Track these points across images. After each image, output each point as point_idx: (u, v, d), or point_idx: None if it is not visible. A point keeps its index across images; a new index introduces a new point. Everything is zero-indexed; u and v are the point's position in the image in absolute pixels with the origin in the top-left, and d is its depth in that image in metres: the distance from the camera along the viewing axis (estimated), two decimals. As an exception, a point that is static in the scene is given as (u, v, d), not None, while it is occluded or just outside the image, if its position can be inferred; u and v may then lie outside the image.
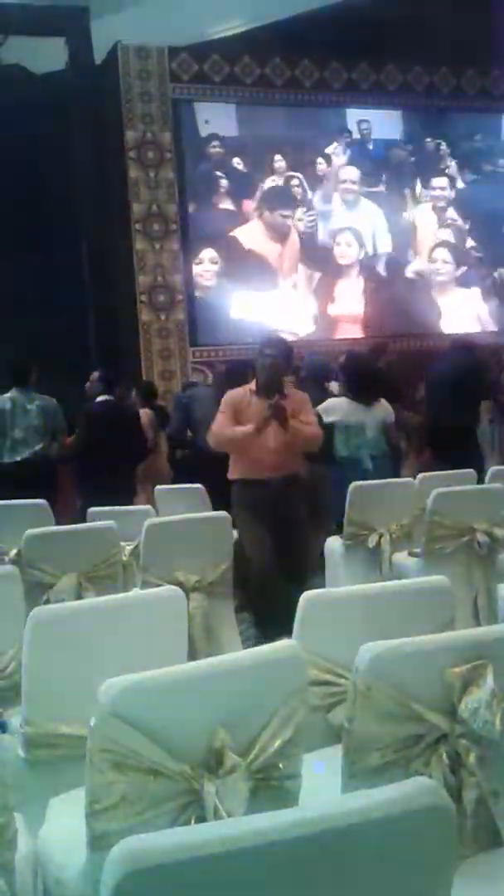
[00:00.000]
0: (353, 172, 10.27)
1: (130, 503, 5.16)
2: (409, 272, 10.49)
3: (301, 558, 4.33)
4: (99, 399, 5.54)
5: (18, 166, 8.74)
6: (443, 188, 10.67)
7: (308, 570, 4.34)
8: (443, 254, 10.59)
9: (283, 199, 9.92)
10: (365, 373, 5.35)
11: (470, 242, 10.75)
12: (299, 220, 9.94)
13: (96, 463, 5.26)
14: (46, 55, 9.52)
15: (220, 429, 4.33)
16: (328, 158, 10.19)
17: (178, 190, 9.54)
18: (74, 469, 5.61)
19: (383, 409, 5.21)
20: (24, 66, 9.58)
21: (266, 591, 4.11)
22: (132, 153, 9.38)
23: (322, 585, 4.07)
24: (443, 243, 10.61)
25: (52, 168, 9.06)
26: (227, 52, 9.77)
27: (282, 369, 4.39)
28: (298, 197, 10.00)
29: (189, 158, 9.69)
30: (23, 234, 8.67)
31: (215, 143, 9.76)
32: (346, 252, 10.16)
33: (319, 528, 4.62)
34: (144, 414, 6.23)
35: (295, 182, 9.99)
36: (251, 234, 9.82)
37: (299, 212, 9.95)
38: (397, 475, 5.18)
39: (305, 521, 4.43)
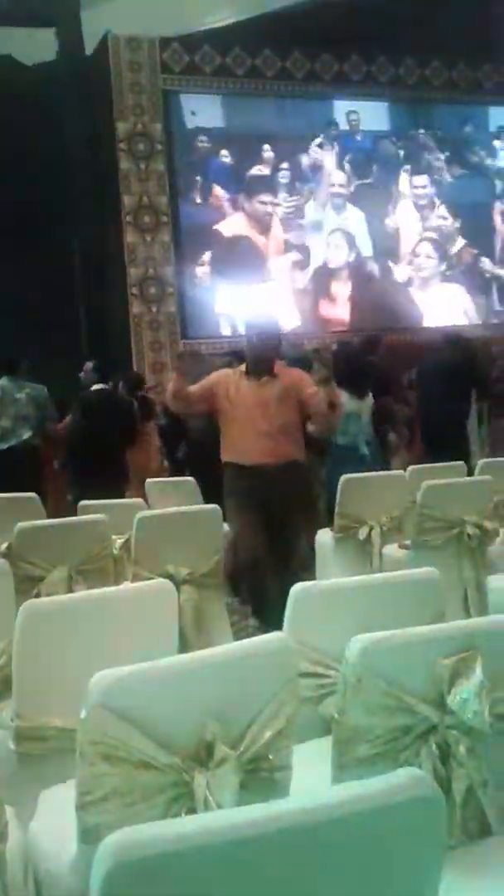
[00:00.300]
0: (340, 176, 10.25)
1: (122, 490, 5.19)
2: (395, 267, 10.50)
3: (291, 553, 4.16)
4: (94, 388, 5.57)
5: (8, 157, 8.70)
6: (428, 182, 10.68)
7: (296, 566, 4.13)
8: (426, 249, 10.61)
9: (263, 186, 9.90)
10: (357, 364, 5.42)
11: (456, 236, 10.76)
12: (279, 206, 9.91)
13: (90, 450, 5.30)
14: (37, 46, 9.47)
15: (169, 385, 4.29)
16: (317, 151, 10.16)
17: (169, 182, 9.51)
18: (66, 456, 5.64)
19: (370, 398, 5.36)
20: (14, 56, 9.53)
21: (256, 582, 4.07)
22: (123, 145, 9.35)
23: (312, 578, 4.08)
24: (427, 238, 10.62)
25: (43, 159, 9.02)
26: (219, 43, 9.74)
27: (269, 347, 4.20)
28: (285, 186, 9.98)
29: (179, 150, 9.66)
30: (13, 226, 8.63)
31: (202, 136, 9.74)
32: (336, 254, 10.17)
33: (310, 521, 4.54)
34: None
35: (283, 174, 9.97)
36: (236, 227, 9.81)
37: (280, 197, 9.92)
38: (386, 464, 5.25)
39: (299, 514, 4.26)
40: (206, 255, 9.68)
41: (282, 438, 4.12)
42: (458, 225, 10.76)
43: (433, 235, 10.66)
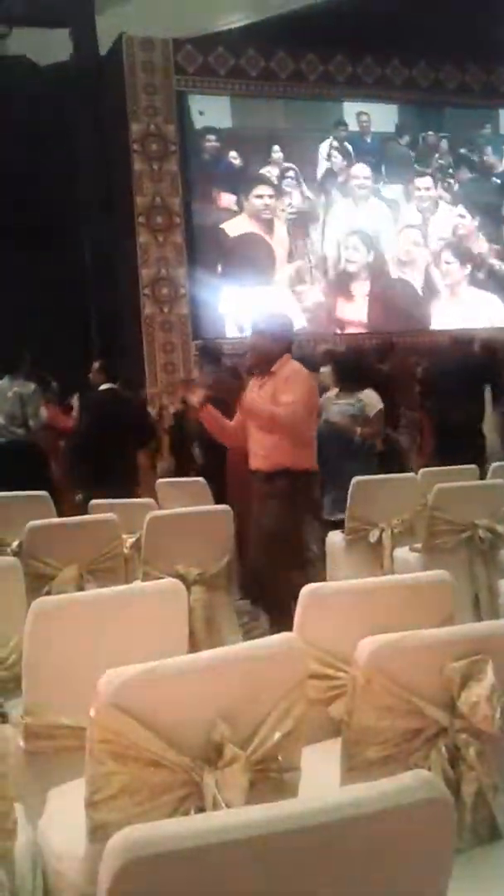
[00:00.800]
0: (363, 170, 10.24)
1: (132, 491, 5.19)
2: (411, 270, 10.47)
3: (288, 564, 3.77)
4: (102, 387, 5.58)
5: (22, 157, 8.73)
6: (438, 184, 10.65)
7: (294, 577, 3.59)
8: (446, 254, 10.59)
9: (273, 186, 9.89)
10: (349, 364, 5.40)
11: (474, 239, 10.74)
12: (289, 206, 9.90)
13: (100, 450, 5.30)
14: (51, 47, 9.50)
15: None
16: (328, 154, 10.15)
17: (182, 183, 9.52)
18: (73, 456, 5.67)
19: (367, 398, 5.25)
20: (29, 57, 9.56)
21: (262, 589, 4.00)
22: (136, 145, 9.37)
23: (319, 579, 4.05)
24: (448, 244, 10.60)
25: (56, 160, 9.05)
26: (233, 44, 9.75)
27: (266, 345, 3.90)
28: (294, 187, 9.97)
29: (192, 151, 9.67)
30: (26, 226, 8.65)
31: (213, 137, 9.74)
32: (353, 256, 10.15)
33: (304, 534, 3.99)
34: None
35: (290, 174, 9.97)
36: (246, 227, 9.81)
37: (289, 197, 9.90)
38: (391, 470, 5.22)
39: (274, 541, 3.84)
40: (219, 256, 9.69)
41: (270, 443, 3.85)
42: (476, 223, 10.74)
43: (450, 238, 10.63)
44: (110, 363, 5.76)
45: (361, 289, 10.20)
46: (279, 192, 9.92)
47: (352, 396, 5.22)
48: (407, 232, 10.47)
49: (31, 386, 5.70)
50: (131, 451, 5.52)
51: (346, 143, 10.26)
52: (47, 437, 6.14)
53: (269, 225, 9.89)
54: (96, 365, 5.94)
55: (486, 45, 9.90)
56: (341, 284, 10.15)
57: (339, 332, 9.86)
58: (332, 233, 10.14)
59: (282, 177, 9.95)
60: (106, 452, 5.26)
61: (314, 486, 4.06)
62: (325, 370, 5.76)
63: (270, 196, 9.88)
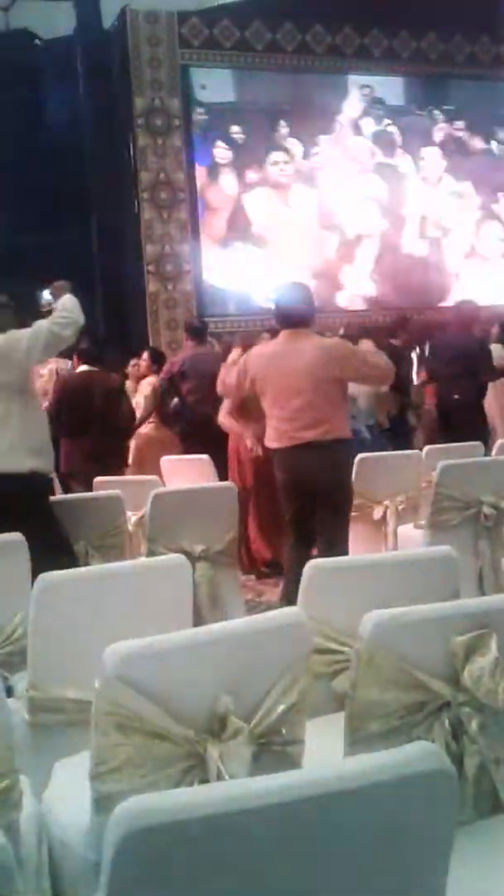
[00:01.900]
0: (365, 143, 10.15)
1: (120, 472, 5.19)
2: (423, 242, 10.40)
3: None
4: (79, 370, 5.49)
5: (25, 132, 8.66)
6: (448, 156, 10.55)
7: None
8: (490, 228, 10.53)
9: (281, 160, 9.80)
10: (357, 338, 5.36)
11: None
12: (297, 180, 9.83)
13: (76, 433, 5.26)
14: (54, 20, 9.39)
15: None
16: (334, 126, 10.05)
17: (186, 158, 9.44)
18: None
19: None
20: (32, 30, 9.45)
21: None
22: (140, 120, 9.28)
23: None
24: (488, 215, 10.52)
25: (60, 134, 8.97)
26: (238, 16, 9.61)
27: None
28: (303, 160, 9.89)
29: (197, 125, 9.58)
30: (30, 202, 8.60)
31: (216, 110, 9.64)
32: (365, 221, 10.06)
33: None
34: (149, 384, 6.24)
35: (300, 148, 9.88)
36: (256, 201, 9.74)
37: (297, 171, 9.82)
38: (399, 447, 5.20)
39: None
40: (224, 231, 9.62)
41: (324, 414, 3.75)
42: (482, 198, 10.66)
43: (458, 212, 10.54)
44: (90, 347, 5.59)
45: (374, 259, 10.11)
46: (292, 165, 9.83)
47: None
48: (415, 204, 10.38)
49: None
50: (111, 434, 5.40)
51: (354, 116, 10.15)
52: None
53: (282, 199, 9.81)
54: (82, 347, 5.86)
55: (497, 18, 9.76)
56: (357, 255, 10.06)
57: (351, 309, 9.79)
58: (345, 201, 10.04)
59: (291, 150, 9.86)
60: (82, 435, 5.21)
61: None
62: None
63: (286, 162, 9.79)
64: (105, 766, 1.49)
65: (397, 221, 10.28)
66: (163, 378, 6.16)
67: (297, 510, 3.80)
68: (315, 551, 3.75)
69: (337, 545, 3.70)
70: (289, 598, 3.65)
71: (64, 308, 3.51)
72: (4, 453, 3.26)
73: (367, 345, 4.58)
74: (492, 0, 9.33)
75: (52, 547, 3.08)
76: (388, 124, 10.34)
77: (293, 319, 3.76)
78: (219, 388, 4.12)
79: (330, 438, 3.69)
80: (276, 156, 9.78)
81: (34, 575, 2.18)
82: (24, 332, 3.41)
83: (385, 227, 10.21)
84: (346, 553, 3.62)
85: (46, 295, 3.90)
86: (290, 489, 3.79)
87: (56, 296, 3.67)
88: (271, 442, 3.84)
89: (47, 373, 6.06)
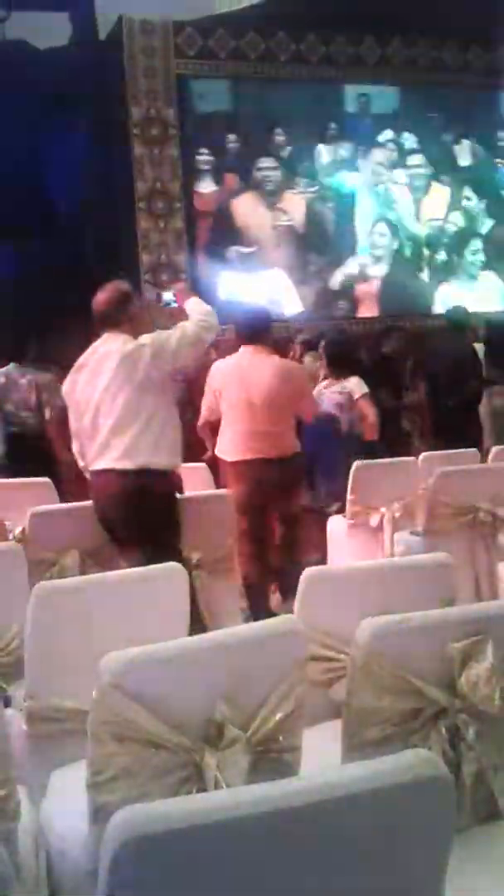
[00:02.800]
0: (380, 155, 10.15)
1: None
2: (421, 253, 10.41)
3: None
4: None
5: (20, 143, 8.68)
6: (442, 165, 10.57)
7: None
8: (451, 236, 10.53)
9: (277, 170, 9.80)
10: (337, 349, 5.43)
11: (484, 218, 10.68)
12: (293, 189, 9.84)
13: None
14: (50, 30, 9.43)
15: None
16: (328, 135, 10.07)
17: (183, 167, 9.47)
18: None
19: (353, 384, 5.25)
20: (27, 41, 9.49)
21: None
22: (136, 130, 9.31)
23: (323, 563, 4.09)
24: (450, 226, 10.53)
25: (55, 144, 8.98)
26: (234, 26, 9.66)
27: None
28: (297, 170, 9.90)
29: (193, 135, 9.61)
30: (24, 212, 8.62)
31: (214, 120, 9.67)
32: (378, 242, 10.09)
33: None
34: None
35: (294, 157, 9.90)
36: (249, 211, 9.75)
37: (294, 181, 9.83)
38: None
39: None
40: (220, 241, 9.64)
41: (280, 430, 4.12)
42: (482, 206, 10.68)
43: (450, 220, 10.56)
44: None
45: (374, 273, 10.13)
46: (288, 175, 9.85)
47: (338, 384, 5.22)
48: (412, 213, 10.40)
49: (48, 374, 5.67)
50: None
51: (349, 126, 10.17)
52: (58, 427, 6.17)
53: (277, 210, 9.83)
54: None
55: (490, 25, 9.81)
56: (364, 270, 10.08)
57: (364, 316, 9.80)
58: (363, 223, 10.06)
59: (287, 161, 9.88)
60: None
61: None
62: (310, 358, 5.78)
63: (275, 169, 9.80)
64: (102, 776, 1.49)
65: (397, 232, 10.30)
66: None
67: (252, 522, 3.97)
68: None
69: (294, 554, 4.01)
70: (257, 609, 3.79)
71: (202, 312, 3.53)
72: (150, 450, 3.28)
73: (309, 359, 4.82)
74: (488, 8, 9.38)
75: (169, 545, 3.18)
76: (381, 133, 10.37)
77: (253, 336, 4.07)
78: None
79: (286, 454, 4.01)
80: (268, 162, 9.81)
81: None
82: (171, 333, 3.42)
83: (397, 241, 10.22)
84: (300, 561, 3.84)
85: (168, 296, 3.94)
86: (246, 502, 3.91)
87: (180, 298, 3.74)
88: (227, 454, 3.96)
89: (26, 382, 6.09)
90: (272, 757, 1.54)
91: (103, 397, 3.27)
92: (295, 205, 9.89)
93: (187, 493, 3.80)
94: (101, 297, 3.51)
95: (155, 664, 1.51)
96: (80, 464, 3.48)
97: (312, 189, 9.97)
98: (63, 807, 1.72)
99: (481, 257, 10.68)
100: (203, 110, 9.64)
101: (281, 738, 1.55)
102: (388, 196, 10.29)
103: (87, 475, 3.44)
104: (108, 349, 3.33)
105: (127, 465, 3.24)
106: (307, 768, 1.60)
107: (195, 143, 9.57)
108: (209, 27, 9.60)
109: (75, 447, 3.49)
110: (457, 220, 10.59)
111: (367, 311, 10.05)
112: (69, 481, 5.31)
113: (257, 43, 9.72)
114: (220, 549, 3.49)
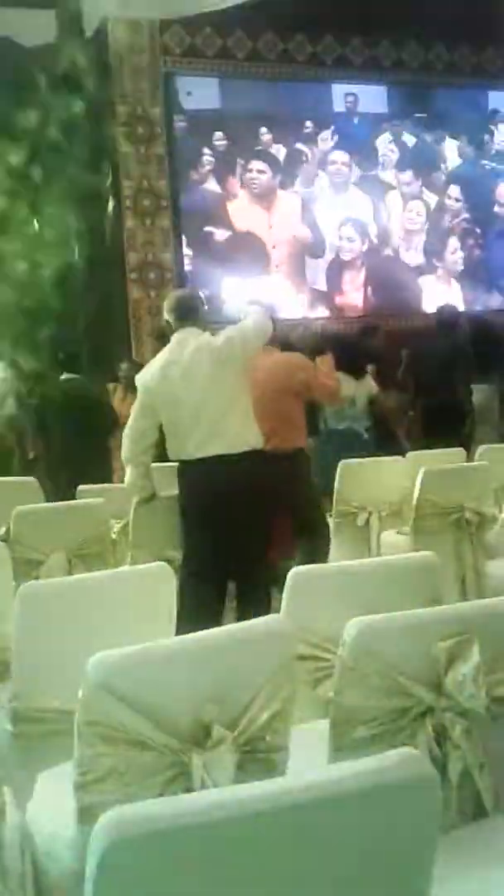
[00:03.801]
0: (342, 156, 10.15)
1: (106, 474, 5.31)
2: (407, 252, 10.43)
3: None
4: (62, 378, 5.75)
5: (6, 141, 8.64)
6: (432, 165, 10.60)
7: None
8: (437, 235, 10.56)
9: (263, 170, 9.82)
10: (353, 347, 5.52)
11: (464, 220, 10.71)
12: (279, 189, 9.85)
13: (61, 440, 5.53)
14: (36, 28, 9.38)
15: None
16: (314, 138, 10.07)
17: (169, 166, 9.45)
18: (39, 446, 5.92)
19: (368, 384, 5.41)
20: (13, 39, 9.44)
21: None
22: (122, 128, 9.28)
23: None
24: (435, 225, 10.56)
25: (41, 142, 8.94)
26: (221, 25, 9.64)
27: None
28: (285, 170, 9.91)
29: (180, 133, 9.60)
30: (11, 210, 8.58)
31: (201, 119, 9.65)
32: (348, 246, 10.09)
33: None
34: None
35: (282, 156, 9.90)
36: (238, 210, 9.75)
37: (279, 180, 9.84)
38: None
39: None
40: (207, 240, 9.64)
41: (287, 424, 4.14)
42: (467, 209, 10.71)
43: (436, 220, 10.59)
44: (71, 356, 5.91)
45: (359, 275, 10.14)
46: (273, 175, 9.85)
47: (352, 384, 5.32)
48: (397, 211, 10.41)
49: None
50: (95, 440, 5.58)
51: (335, 126, 10.18)
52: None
53: (264, 209, 9.83)
54: (61, 356, 6.06)
55: (478, 25, 9.84)
56: (343, 272, 10.09)
57: (349, 316, 9.82)
58: (324, 219, 10.06)
59: (274, 161, 9.88)
60: (67, 443, 5.46)
61: None
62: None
63: (266, 179, 9.81)
64: (89, 776, 1.49)
65: (373, 232, 10.32)
66: None
67: None
68: None
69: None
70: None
71: (256, 310, 3.82)
72: (250, 434, 3.52)
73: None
74: (475, 9, 9.41)
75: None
76: (369, 133, 10.39)
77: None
78: None
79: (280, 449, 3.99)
80: (256, 164, 9.81)
81: None
82: (246, 325, 3.62)
83: (371, 241, 10.24)
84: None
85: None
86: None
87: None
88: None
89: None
90: (259, 757, 1.54)
91: (205, 389, 3.42)
92: (285, 205, 9.91)
93: (171, 492, 3.80)
94: (182, 294, 3.84)
95: (142, 664, 1.51)
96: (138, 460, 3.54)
97: (304, 189, 9.99)
98: (49, 808, 1.72)
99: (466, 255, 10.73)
100: (190, 109, 9.63)
101: (268, 737, 1.55)
102: (352, 196, 10.28)
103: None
104: (198, 344, 3.48)
105: (236, 450, 3.43)
106: (294, 768, 1.61)
107: (181, 141, 9.57)
108: (196, 26, 9.59)
109: (132, 447, 3.53)
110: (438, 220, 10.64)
111: (352, 310, 10.08)
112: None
113: (244, 42, 9.71)
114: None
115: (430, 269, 10.52)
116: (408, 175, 10.50)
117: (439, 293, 10.30)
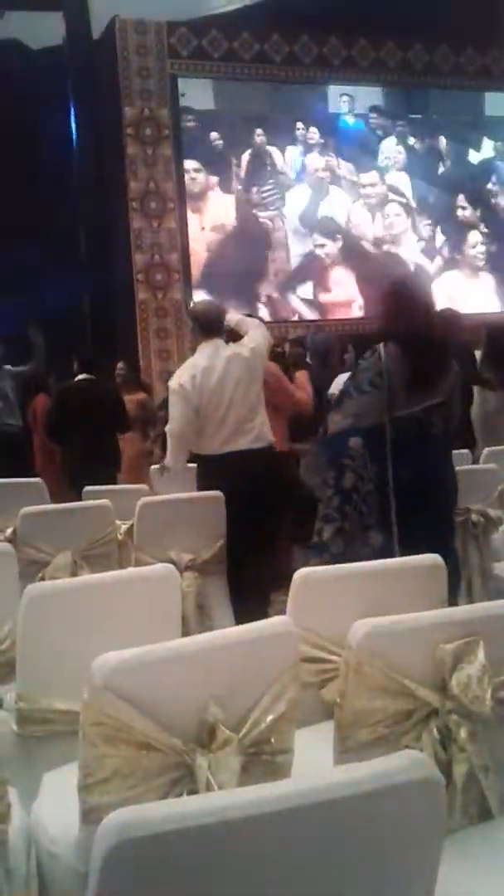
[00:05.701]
0: (319, 161, 10.15)
1: (114, 476, 5.38)
2: (404, 253, 10.43)
3: None
4: (77, 378, 5.82)
5: (15, 143, 8.67)
6: (422, 166, 10.60)
7: None
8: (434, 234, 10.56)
9: (261, 171, 9.84)
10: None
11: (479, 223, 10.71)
12: (276, 190, 9.87)
13: (78, 437, 5.53)
14: (44, 30, 9.41)
15: None
16: (309, 138, 10.08)
17: (176, 167, 9.46)
18: (54, 443, 5.92)
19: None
20: (20, 41, 9.47)
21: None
22: (130, 130, 9.30)
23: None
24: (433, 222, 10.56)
25: (50, 145, 8.98)
26: (227, 27, 9.66)
27: None
28: (269, 170, 9.92)
29: (186, 135, 9.61)
30: (19, 213, 8.60)
31: (208, 118, 9.66)
32: (329, 244, 10.10)
33: None
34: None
35: (274, 155, 9.91)
36: (236, 212, 9.76)
37: (278, 180, 9.86)
38: None
39: None
40: (211, 242, 9.65)
41: (276, 424, 4.30)
42: (463, 203, 10.70)
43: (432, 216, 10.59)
44: (84, 356, 6.04)
45: (351, 276, 10.15)
46: (272, 176, 9.86)
47: None
48: (390, 207, 10.40)
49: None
50: (109, 437, 5.71)
51: (337, 127, 10.20)
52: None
53: (260, 210, 9.84)
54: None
55: (482, 27, 9.84)
56: (330, 272, 10.10)
57: (353, 317, 9.83)
58: (314, 226, 10.07)
59: (273, 162, 9.89)
60: (84, 440, 5.49)
61: None
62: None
63: (264, 180, 9.82)
64: (93, 778, 1.49)
65: (373, 233, 10.32)
66: None
67: None
68: None
69: None
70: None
71: (255, 324, 4.22)
72: (268, 431, 4.00)
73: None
74: (477, 11, 9.41)
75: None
76: (373, 133, 10.40)
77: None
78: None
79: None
80: (258, 164, 9.82)
81: None
82: (257, 338, 4.05)
83: (361, 239, 10.24)
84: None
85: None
86: None
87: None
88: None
89: None
90: (264, 759, 1.54)
91: (236, 392, 3.86)
92: (293, 204, 9.92)
93: (177, 494, 3.81)
94: (211, 308, 4.19)
95: (147, 666, 1.51)
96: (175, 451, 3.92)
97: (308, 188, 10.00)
98: (54, 809, 1.72)
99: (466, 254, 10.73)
100: (196, 110, 9.64)
101: (273, 739, 1.54)
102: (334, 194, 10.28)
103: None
104: (231, 353, 3.92)
105: (260, 444, 3.91)
106: (299, 769, 1.60)
107: (189, 142, 9.58)
108: (202, 28, 9.61)
109: (179, 446, 3.92)
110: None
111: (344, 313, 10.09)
112: (55, 479, 5.41)
113: (250, 44, 9.72)
114: (210, 550, 3.49)
115: (453, 265, 10.53)
116: (404, 175, 10.52)
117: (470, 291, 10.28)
